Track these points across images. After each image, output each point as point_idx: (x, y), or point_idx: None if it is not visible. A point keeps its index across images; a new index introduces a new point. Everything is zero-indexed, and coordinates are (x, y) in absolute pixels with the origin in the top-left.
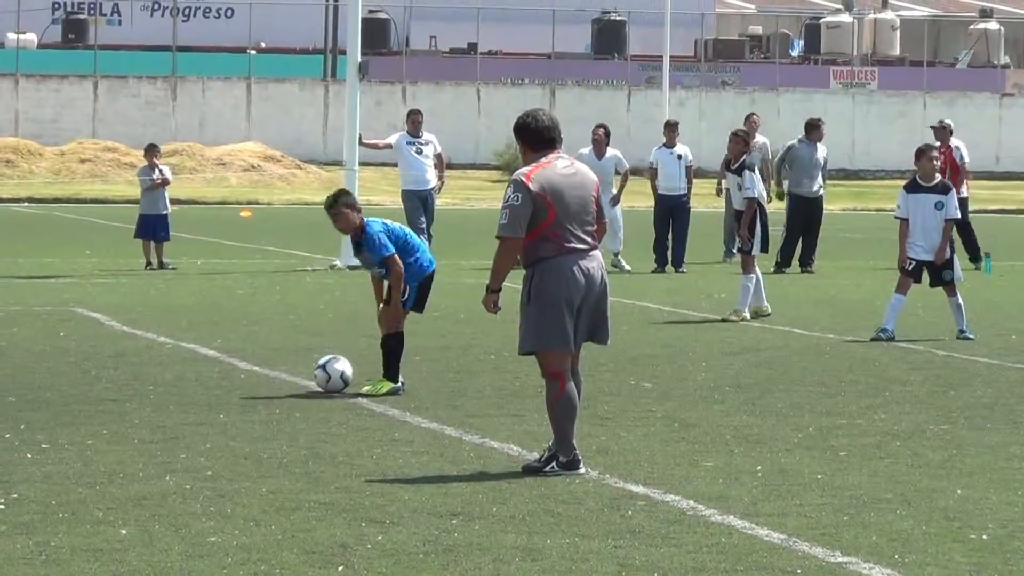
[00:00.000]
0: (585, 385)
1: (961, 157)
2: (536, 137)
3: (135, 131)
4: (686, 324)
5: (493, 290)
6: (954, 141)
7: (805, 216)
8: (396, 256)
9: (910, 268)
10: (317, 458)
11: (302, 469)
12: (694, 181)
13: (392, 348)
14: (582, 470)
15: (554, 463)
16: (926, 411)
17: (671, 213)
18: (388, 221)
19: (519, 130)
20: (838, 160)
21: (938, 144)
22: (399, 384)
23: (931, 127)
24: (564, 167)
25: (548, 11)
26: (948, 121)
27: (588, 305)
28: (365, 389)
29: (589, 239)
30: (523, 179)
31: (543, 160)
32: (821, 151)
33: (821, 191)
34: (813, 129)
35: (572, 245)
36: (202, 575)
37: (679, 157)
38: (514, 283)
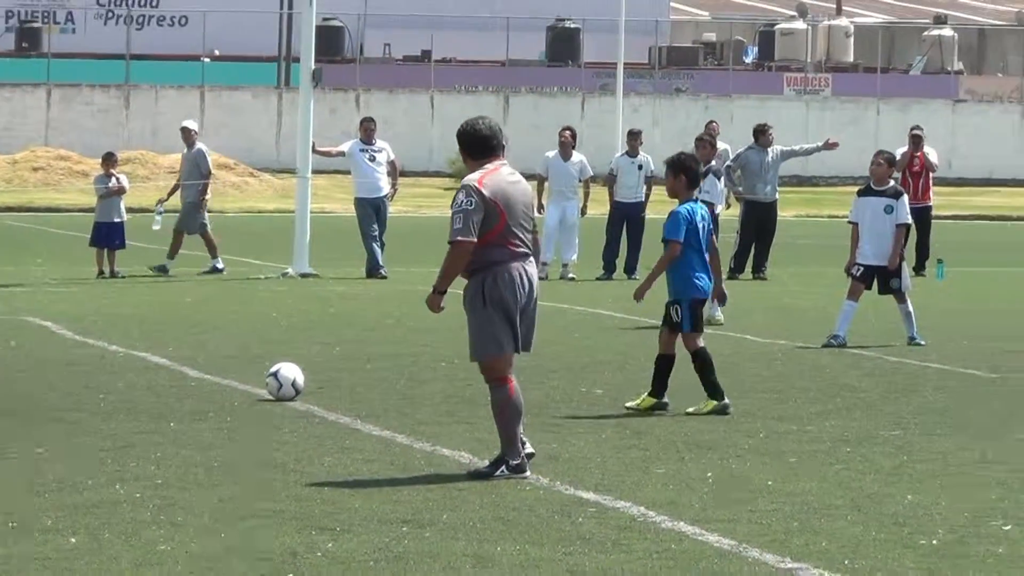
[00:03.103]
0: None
1: (931, 164)
2: (479, 144)
3: (88, 139)
4: (638, 331)
5: (440, 292)
6: (926, 148)
7: (759, 222)
8: (675, 244)
9: (858, 274)
10: (268, 466)
11: (253, 477)
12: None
13: (699, 367)
14: (529, 473)
15: (503, 467)
16: (877, 417)
17: (626, 221)
18: (703, 214)
19: (461, 137)
20: (791, 166)
21: (905, 150)
22: (726, 402)
23: (914, 133)
24: (509, 175)
25: (502, 19)
26: (920, 128)
27: (528, 312)
28: (691, 410)
29: (530, 246)
30: (476, 184)
31: (489, 167)
32: (774, 153)
33: (776, 196)
34: (760, 135)
35: (521, 250)
36: None
37: (639, 167)
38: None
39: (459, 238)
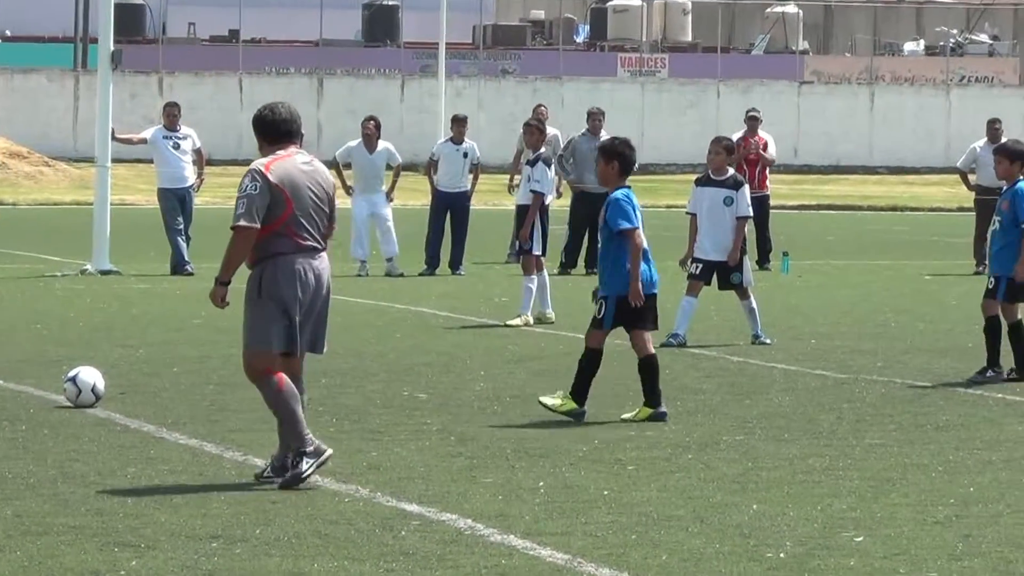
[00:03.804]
0: (308, 395)
1: (768, 159)
2: (273, 129)
3: None
4: (464, 330)
5: (223, 283)
6: (765, 133)
7: (589, 213)
8: (635, 231)
9: (697, 271)
10: (67, 478)
11: (51, 490)
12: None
13: (585, 365)
14: (330, 451)
15: (303, 461)
16: (720, 421)
17: (449, 211)
18: (636, 201)
19: (255, 123)
20: None
21: (741, 134)
22: (583, 409)
23: (751, 115)
24: (303, 162)
25: None
26: (757, 110)
27: (314, 310)
28: (545, 400)
29: (322, 240)
30: (262, 168)
31: (282, 153)
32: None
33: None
34: (588, 119)
35: (308, 243)
36: None
37: (464, 155)
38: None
39: (242, 223)
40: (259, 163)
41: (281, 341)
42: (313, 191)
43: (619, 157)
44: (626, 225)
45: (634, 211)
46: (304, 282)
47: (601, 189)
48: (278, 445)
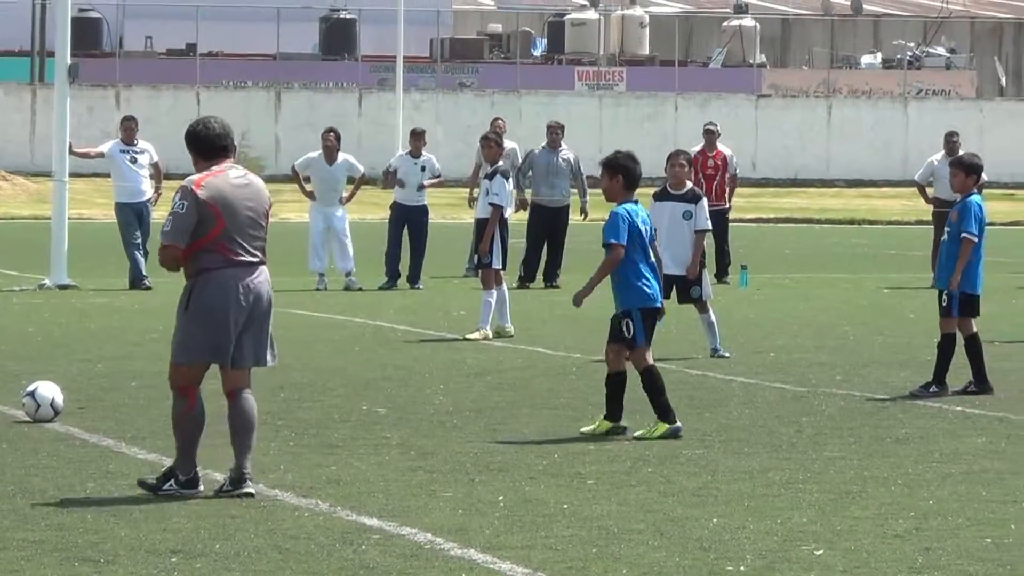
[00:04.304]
0: (257, 409)
1: (735, 166)
2: (207, 145)
3: None
4: (422, 344)
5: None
6: (725, 148)
7: (546, 227)
8: (618, 247)
9: None
10: (26, 493)
11: (9, 505)
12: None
13: (650, 387)
14: (201, 488)
15: (172, 481)
16: None
17: (407, 225)
18: (644, 216)
19: (188, 138)
20: (583, 167)
21: (699, 148)
22: (677, 424)
23: (707, 129)
24: (236, 177)
25: (272, 9)
26: (714, 124)
27: (254, 324)
28: (639, 434)
29: (258, 254)
30: (192, 186)
31: (215, 168)
32: (566, 156)
33: (566, 201)
34: (547, 133)
35: (240, 258)
36: None
37: (423, 168)
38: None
39: (166, 242)
40: (190, 180)
41: (207, 353)
42: (249, 207)
43: (623, 171)
44: (611, 240)
45: (631, 227)
46: (235, 297)
47: (559, 203)
48: (234, 457)
